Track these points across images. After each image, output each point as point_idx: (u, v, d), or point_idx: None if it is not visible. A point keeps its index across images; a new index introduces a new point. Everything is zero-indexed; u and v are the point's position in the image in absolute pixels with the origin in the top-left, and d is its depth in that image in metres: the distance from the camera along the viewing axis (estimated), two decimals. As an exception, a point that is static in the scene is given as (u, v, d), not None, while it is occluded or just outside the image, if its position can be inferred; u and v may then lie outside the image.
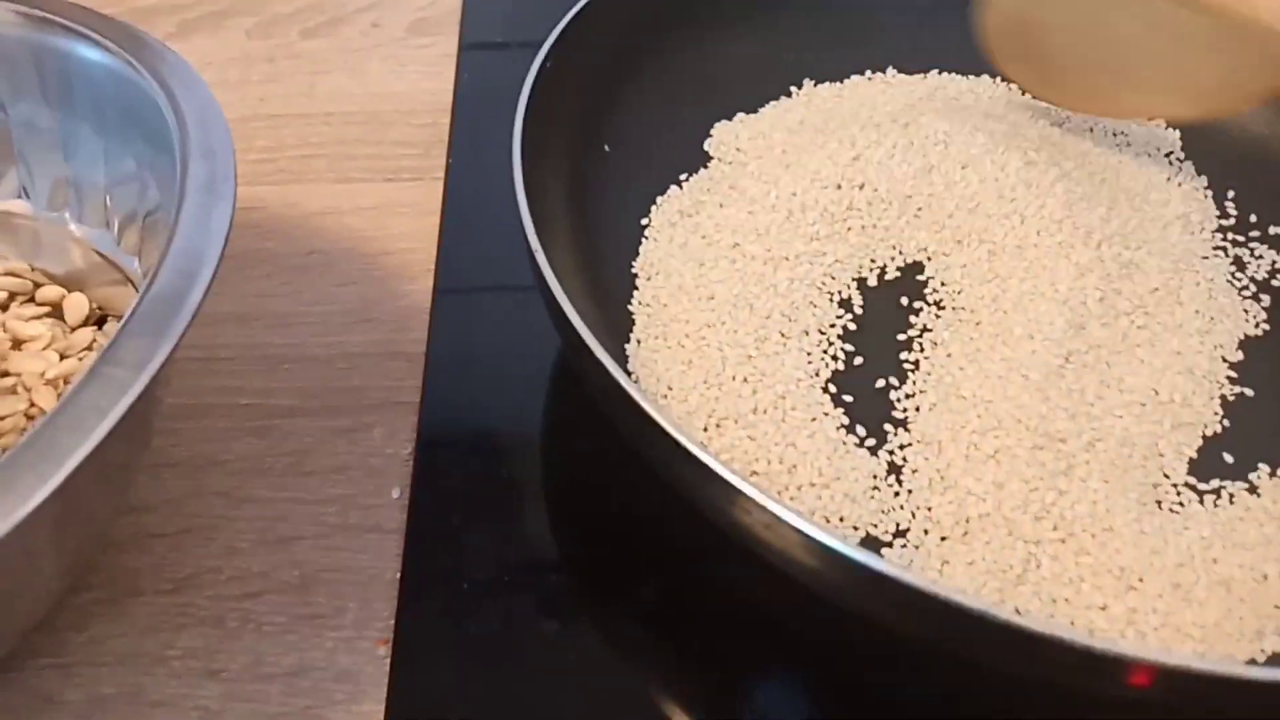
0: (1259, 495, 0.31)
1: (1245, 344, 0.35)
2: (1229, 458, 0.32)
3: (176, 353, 0.25)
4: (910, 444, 0.31)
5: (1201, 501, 0.31)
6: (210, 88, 0.47)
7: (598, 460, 0.34)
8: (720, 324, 0.33)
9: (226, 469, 0.34)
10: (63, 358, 0.31)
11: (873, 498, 0.30)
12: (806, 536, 0.24)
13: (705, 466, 0.25)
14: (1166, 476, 0.31)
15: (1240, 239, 0.38)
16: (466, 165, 0.44)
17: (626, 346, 0.33)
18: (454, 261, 0.40)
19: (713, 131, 0.39)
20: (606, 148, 0.37)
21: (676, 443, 0.25)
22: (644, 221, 0.37)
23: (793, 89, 0.41)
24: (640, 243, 0.36)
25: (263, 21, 0.52)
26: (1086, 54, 0.36)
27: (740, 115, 0.40)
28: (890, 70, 0.42)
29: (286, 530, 0.32)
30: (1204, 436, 0.32)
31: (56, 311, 0.33)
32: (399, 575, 0.31)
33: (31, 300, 0.33)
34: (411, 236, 0.41)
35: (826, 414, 0.32)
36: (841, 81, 0.41)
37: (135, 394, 0.21)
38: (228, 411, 0.35)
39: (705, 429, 0.31)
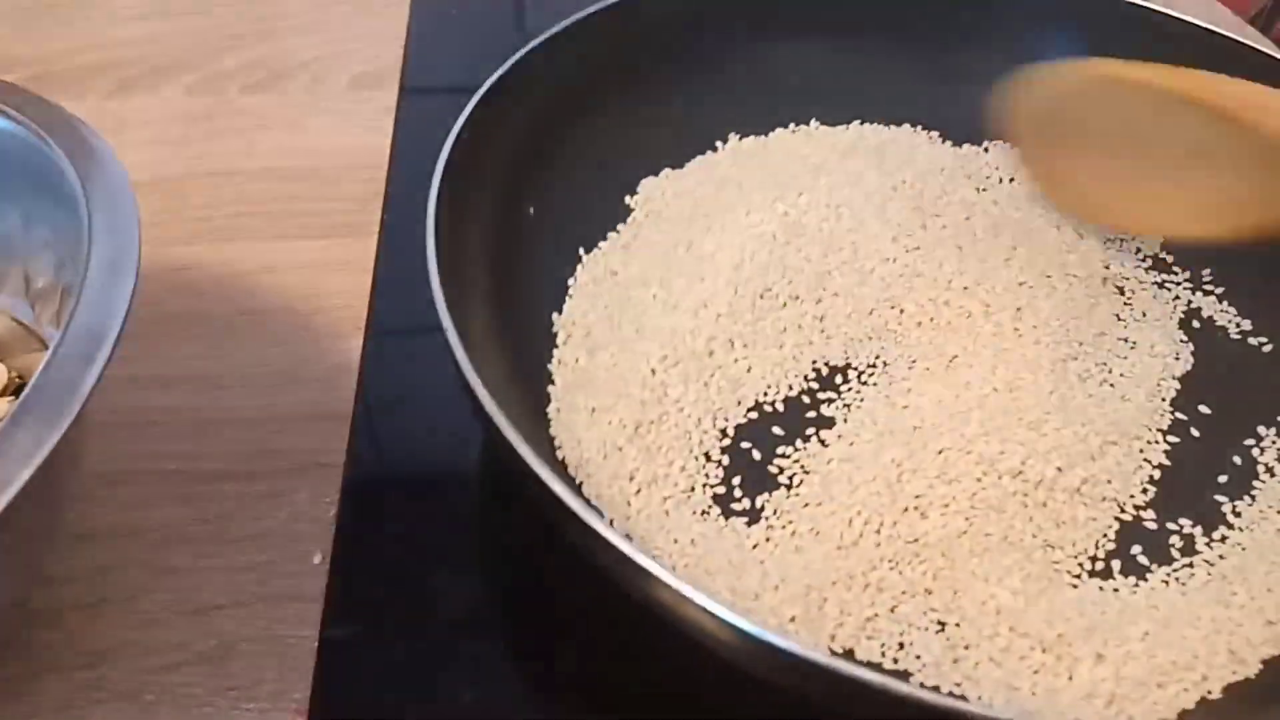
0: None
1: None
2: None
3: (80, 427, 0.25)
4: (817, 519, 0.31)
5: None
6: (149, 146, 0.48)
7: (523, 526, 0.34)
8: (642, 385, 0.33)
9: (147, 538, 0.33)
10: (-23, 430, 0.30)
11: (784, 577, 0.30)
12: (721, 620, 0.24)
13: (616, 550, 0.24)
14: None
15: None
16: (402, 220, 0.44)
17: (549, 409, 0.33)
18: (385, 319, 0.40)
19: (638, 188, 0.40)
20: (531, 210, 0.37)
21: (587, 525, 0.25)
22: (569, 281, 0.37)
23: (718, 144, 0.41)
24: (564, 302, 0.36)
25: (203, 78, 0.52)
26: (1119, 160, 0.35)
27: (666, 170, 0.40)
28: (814, 122, 0.42)
29: (205, 600, 0.32)
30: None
31: (-26, 382, 0.33)
32: (316, 645, 0.31)
33: (-52, 371, 0.33)
34: (345, 294, 0.41)
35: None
36: (766, 135, 0.42)
37: (16, 489, 0.21)
38: (152, 478, 0.35)
39: (629, 497, 0.31)
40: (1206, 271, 0.39)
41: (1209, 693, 0.28)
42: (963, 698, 0.27)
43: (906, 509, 0.31)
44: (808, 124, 0.42)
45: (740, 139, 0.42)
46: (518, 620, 0.32)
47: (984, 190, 0.41)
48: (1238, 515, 0.32)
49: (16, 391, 0.33)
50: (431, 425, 0.37)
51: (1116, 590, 0.30)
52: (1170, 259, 0.39)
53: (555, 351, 0.35)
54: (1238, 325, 0.37)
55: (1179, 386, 0.35)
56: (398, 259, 0.42)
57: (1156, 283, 0.39)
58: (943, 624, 0.29)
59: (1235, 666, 0.28)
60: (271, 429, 0.37)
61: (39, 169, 0.30)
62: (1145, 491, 0.32)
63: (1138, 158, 0.35)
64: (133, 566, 0.33)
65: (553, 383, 0.34)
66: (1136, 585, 0.30)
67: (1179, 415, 0.34)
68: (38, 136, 0.30)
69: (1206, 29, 0.40)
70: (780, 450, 0.33)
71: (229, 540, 0.33)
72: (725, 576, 0.29)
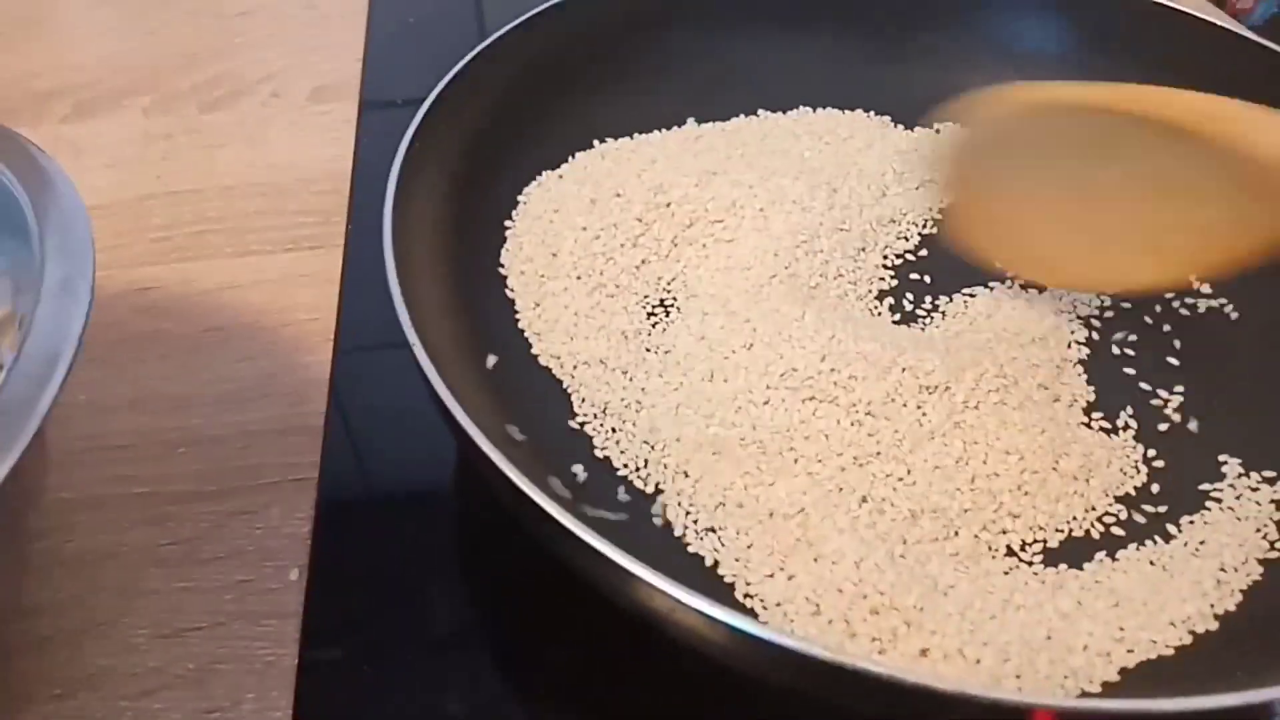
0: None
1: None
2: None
3: (38, 454, 0.25)
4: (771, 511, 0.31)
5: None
6: (106, 169, 0.48)
7: (502, 532, 0.33)
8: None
9: (121, 562, 0.33)
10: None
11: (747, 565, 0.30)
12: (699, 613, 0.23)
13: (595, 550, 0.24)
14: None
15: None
16: (367, 231, 0.44)
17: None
18: (355, 330, 0.40)
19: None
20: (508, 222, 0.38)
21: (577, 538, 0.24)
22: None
23: (675, 126, 0.42)
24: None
25: (161, 98, 0.52)
26: (1063, 201, 0.31)
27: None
28: (761, 111, 0.43)
29: (182, 623, 0.31)
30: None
31: (-65, 413, 0.32)
32: (296, 663, 0.30)
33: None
34: (312, 307, 0.41)
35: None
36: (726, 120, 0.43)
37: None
38: (122, 502, 0.34)
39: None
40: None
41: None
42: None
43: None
44: (755, 113, 0.42)
45: (699, 124, 0.42)
46: (501, 629, 0.32)
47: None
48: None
49: (-22, 421, 0.33)
50: (406, 435, 0.36)
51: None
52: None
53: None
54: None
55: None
56: (365, 270, 0.42)
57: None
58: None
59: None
60: (242, 446, 0.36)
61: (-8, 196, 0.30)
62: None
63: (1083, 196, 0.30)
64: (108, 592, 0.32)
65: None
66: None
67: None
68: (-14, 160, 0.30)
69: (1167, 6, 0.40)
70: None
71: (204, 561, 0.33)
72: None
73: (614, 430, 0.33)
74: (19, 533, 0.29)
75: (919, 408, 0.32)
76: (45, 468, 0.30)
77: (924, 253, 0.39)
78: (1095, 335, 0.36)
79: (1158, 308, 0.37)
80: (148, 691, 0.30)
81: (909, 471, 0.31)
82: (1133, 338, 0.36)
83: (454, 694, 0.30)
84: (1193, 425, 0.34)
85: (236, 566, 0.33)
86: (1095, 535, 0.31)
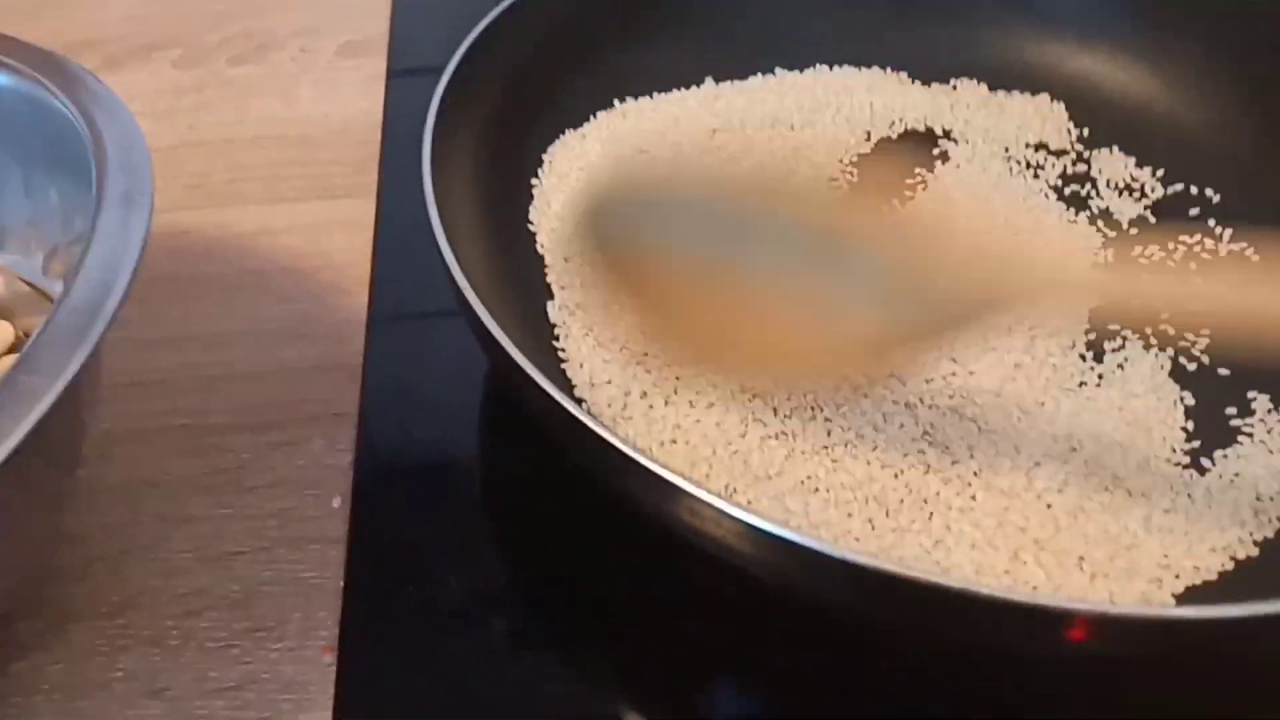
0: None
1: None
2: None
3: (97, 366, 0.26)
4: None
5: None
6: (138, 118, 0.48)
7: (539, 461, 0.34)
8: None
9: (164, 490, 0.33)
10: (-13, 385, 0.30)
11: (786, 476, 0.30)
12: (738, 520, 0.24)
13: (633, 462, 0.25)
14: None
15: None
16: (398, 179, 0.44)
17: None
18: (389, 273, 0.40)
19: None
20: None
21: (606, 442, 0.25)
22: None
23: (693, 86, 0.43)
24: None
25: (190, 52, 0.52)
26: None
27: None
28: (778, 70, 0.44)
29: (226, 546, 0.32)
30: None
31: (-19, 341, 0.33)
32: (342, 584, 0.31)
33: (-45, 331, 0.32)
34: (347, 251, 0.41)
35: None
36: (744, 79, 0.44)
37: (51, 400, 0.21)
38: (164, 433, 0.35)
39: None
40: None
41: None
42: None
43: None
44: (772, 72, 0.43)
45: (717, 84, 0.43)
46: (541, 564, 0.33)
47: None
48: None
49: (26, 348, 0.33)
50: (442, 372, 0.37)
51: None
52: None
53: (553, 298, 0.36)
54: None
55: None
56: (397, 217, 0.42)
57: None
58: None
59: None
60: (281, 381, 0.37)
61: (48, 126, 0.30)
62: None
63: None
64: (151, 518, 0.33)
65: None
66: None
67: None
68: (45, 89, 0.30)
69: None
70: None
71: (246, 489, 0.33)
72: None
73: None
74: (69, 455, 0.29)
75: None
76: (99, 389, 0.30)
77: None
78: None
79: (1179, 253, 0.38)
80: (193, 611, 0.31)
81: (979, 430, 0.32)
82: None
83: (495, 615, 0.31)
84: (1221, 367, 0.34)
85: (279, 495, 0.33)
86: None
